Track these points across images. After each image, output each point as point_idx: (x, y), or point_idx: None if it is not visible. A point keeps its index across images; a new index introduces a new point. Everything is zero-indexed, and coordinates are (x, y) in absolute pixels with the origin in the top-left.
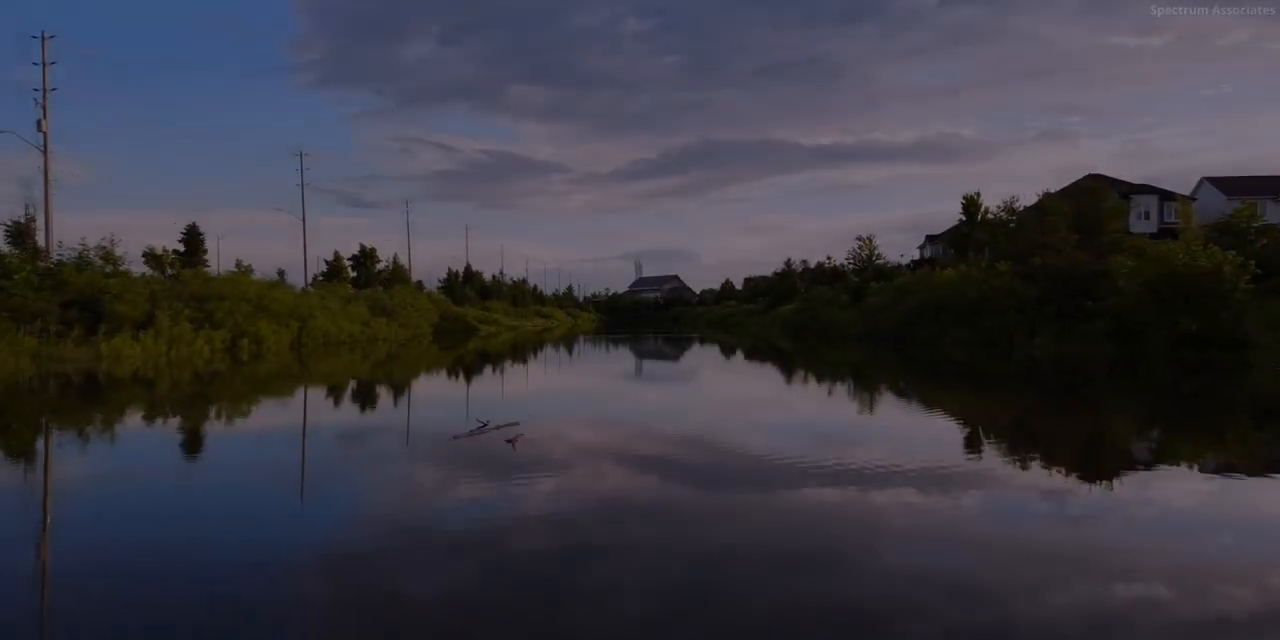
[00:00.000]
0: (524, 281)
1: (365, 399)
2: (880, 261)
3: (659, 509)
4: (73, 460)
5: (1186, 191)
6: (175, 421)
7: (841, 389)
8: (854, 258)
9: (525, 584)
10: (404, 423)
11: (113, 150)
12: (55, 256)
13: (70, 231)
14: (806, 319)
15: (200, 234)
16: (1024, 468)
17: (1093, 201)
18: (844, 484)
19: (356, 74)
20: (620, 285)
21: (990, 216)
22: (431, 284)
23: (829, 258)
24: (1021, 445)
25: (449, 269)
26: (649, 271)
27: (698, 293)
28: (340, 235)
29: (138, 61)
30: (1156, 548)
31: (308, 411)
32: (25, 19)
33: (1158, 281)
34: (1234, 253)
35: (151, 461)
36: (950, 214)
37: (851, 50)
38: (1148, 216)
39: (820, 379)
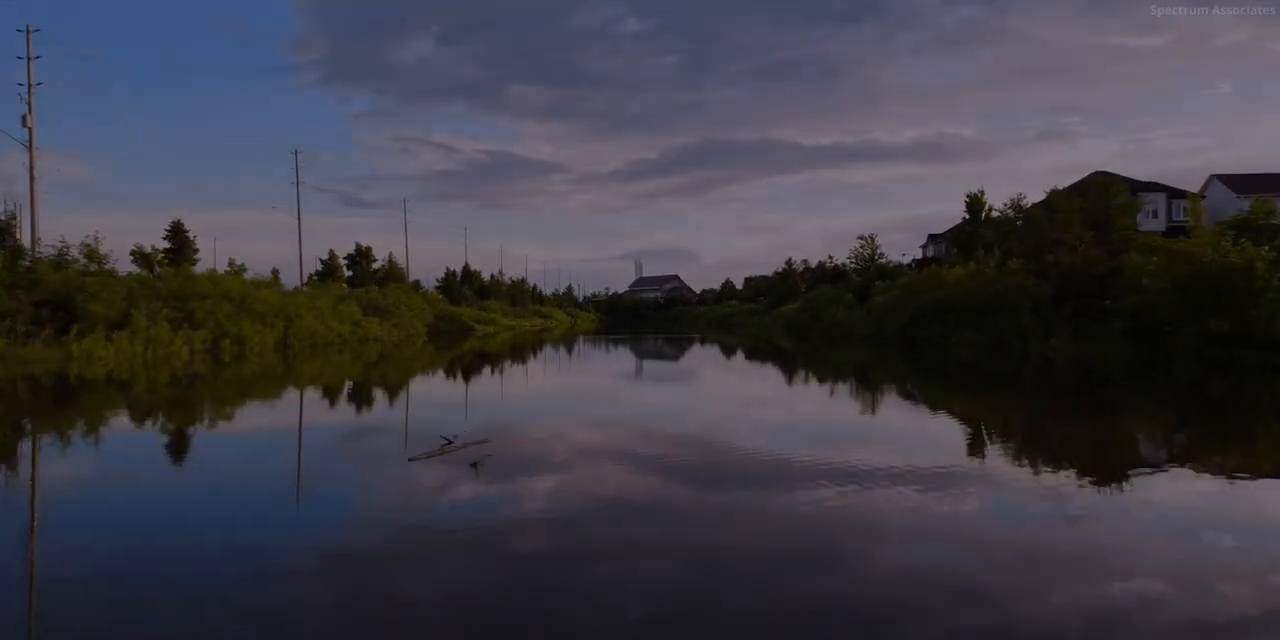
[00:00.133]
0: (523, 281)
1: (333, 406)
2: (883, 260)
3: (647, 552)
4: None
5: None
6: (111, 430)
7: (850, 392)
8: (856, 257)
9: None
10: (363, 435)
11: (112, 150)
12: (38, 254)
13: (70, 231)
14: (809, 319)
15: (186, 231)
16: (1040, 472)
17: (1103, 198)
18: (862, 495)
19: (356, 74)
20: (620, 285)
21: (997, 214)
22: (431, 284)
23: (831, 257)
24: (1044, 451)
25: (447, 268)
26: (649, 271)
27: (698, 293)
28: (341, 235)
29: (138, 61)
30: (1187, 559)
31: (263, 422)
32: (25, 19)
33: (1185, 279)
34: (1267, 248)
35: (73, 479)
36: (950, 214)
37: (851, 50)
38: (1156, 214)
39: (826, 381)
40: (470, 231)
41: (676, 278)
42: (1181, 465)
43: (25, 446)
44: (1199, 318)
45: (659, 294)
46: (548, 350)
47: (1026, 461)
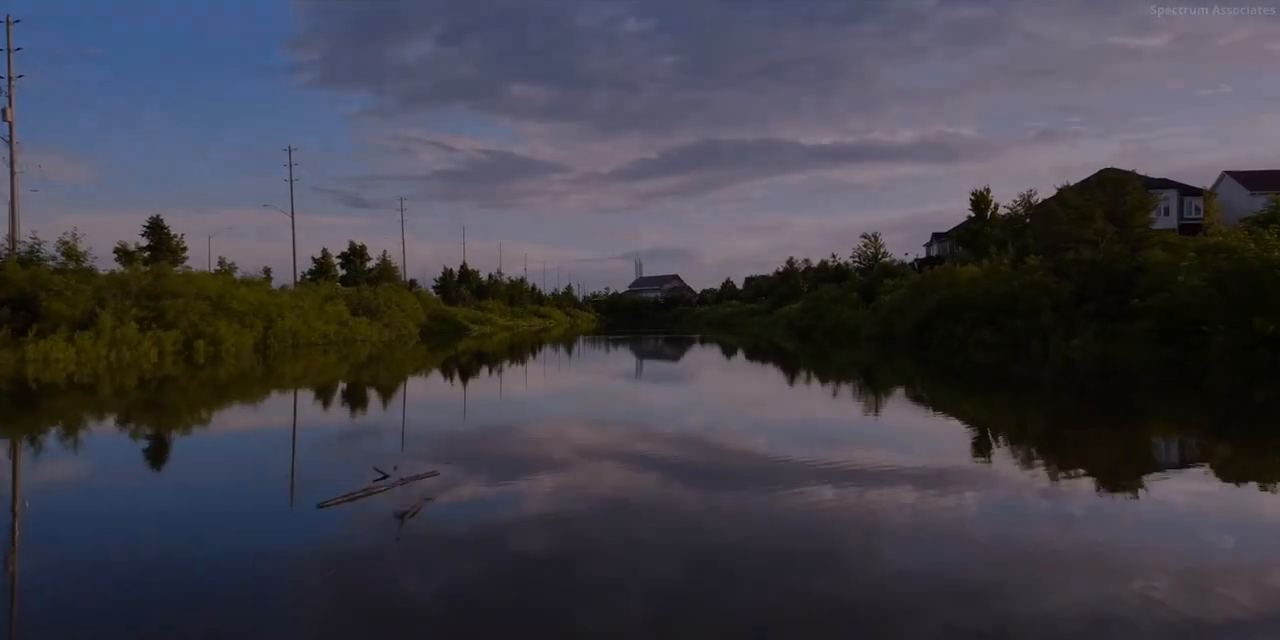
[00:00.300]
0: (522, 281)
1: (283, 417)
2: (886, 259)
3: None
4: None
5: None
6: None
7: (858, 395)
8: (859, 256)
9: None
10: (283, 465)
11: (111, 150)
12: (14, 252)
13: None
14: (813, 319)
15: (165, 227)
16: (1066, 489)
17: (1118, 194)
18: (868, 498)
19: (356, 74)
20: (620, 285)
21: (1006, 211)
22: (429, 284)
23: (834, 256)
24: (1079, 465)
25: (445, 267)
26: (649, 271)
27: (698, 292)
28: (341, 235)
29: (137, 61)
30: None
31: (193, 439)
32: (25, 17)
33: (1225, 275)
34: None
35: None
36: (950, 213)
37: (851, 50)
38: (1167, 212)
39: (834, 383)
40: (470, 232)
41: (676, 278)
42: (1232, 481)
43: None
44: (1240, 317)
45: (659, 294)
46: (543, 351)
47: (1059, 478)
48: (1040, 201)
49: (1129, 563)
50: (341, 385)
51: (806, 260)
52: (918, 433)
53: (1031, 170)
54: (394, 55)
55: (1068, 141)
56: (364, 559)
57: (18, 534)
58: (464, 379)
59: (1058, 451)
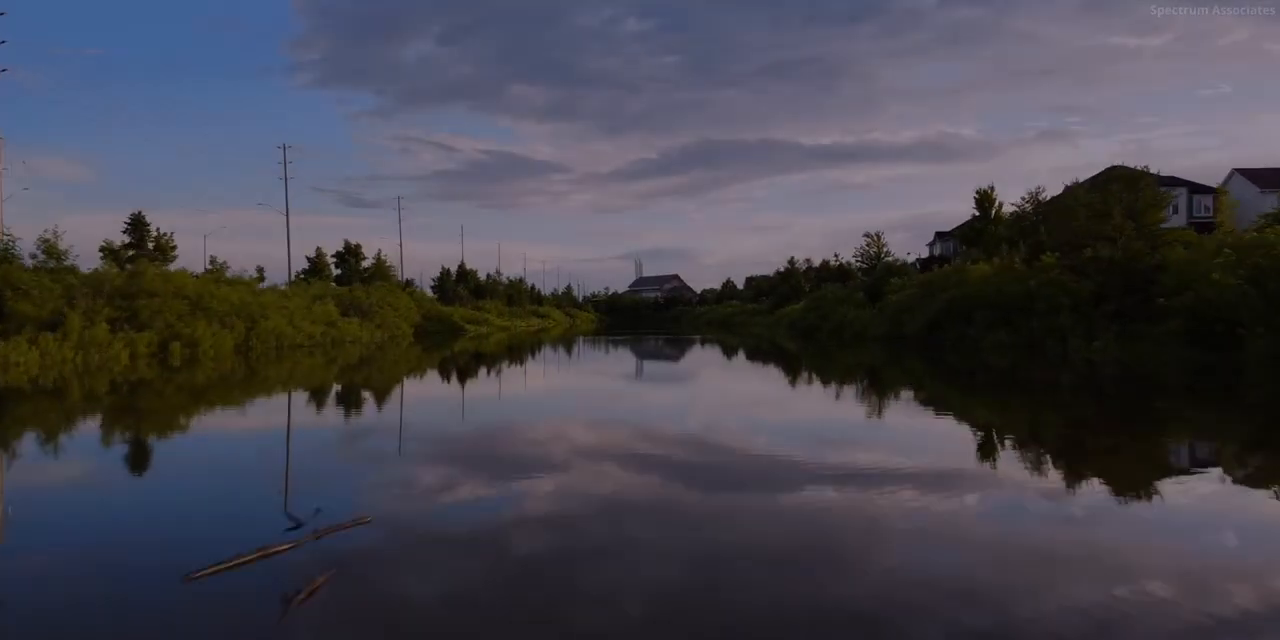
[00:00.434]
0: (521, 281)
1: (229, 436)
2: (889, 258)
3: None
4: None
5: None
6: None
7: (885, 405)
8: (862, 255)
9: None
10: (216, 496)
11: (111, 150)
12: None
13: (69, 232)
14: (817, 319)
15: (147, 224)
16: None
17: (1130, 190)
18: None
19: (356, 74)
20: (620, 285)
21: (1014, 208)
22: (428, 284)
23: (836, 255)
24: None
25: (442, 267)
26: (649, 271)
27: (698, 292)
28: (341, 235)
29: (137, 61)
30: None
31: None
32: (25, 19)
33: (1265, 274)
34: None
35: None
36: (950, 213)
37: (852, 50)
38: (1176, 210)
39: (852, 390)
40: (470, 232)
41: (676, 277)
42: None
43: None
44: None
45: (659, 294)
46: (540, 352)
47: (1082, 489)
48: (1049, 199)
49: (1149, 581)
50: (316, 391)
51: (808, 260)
52: (930, 436)
53: (1032, 170)
54: (394, 55)
55: (1068, 141)
56: None
57: None
58: (455, 381)
59: (1080, 461)
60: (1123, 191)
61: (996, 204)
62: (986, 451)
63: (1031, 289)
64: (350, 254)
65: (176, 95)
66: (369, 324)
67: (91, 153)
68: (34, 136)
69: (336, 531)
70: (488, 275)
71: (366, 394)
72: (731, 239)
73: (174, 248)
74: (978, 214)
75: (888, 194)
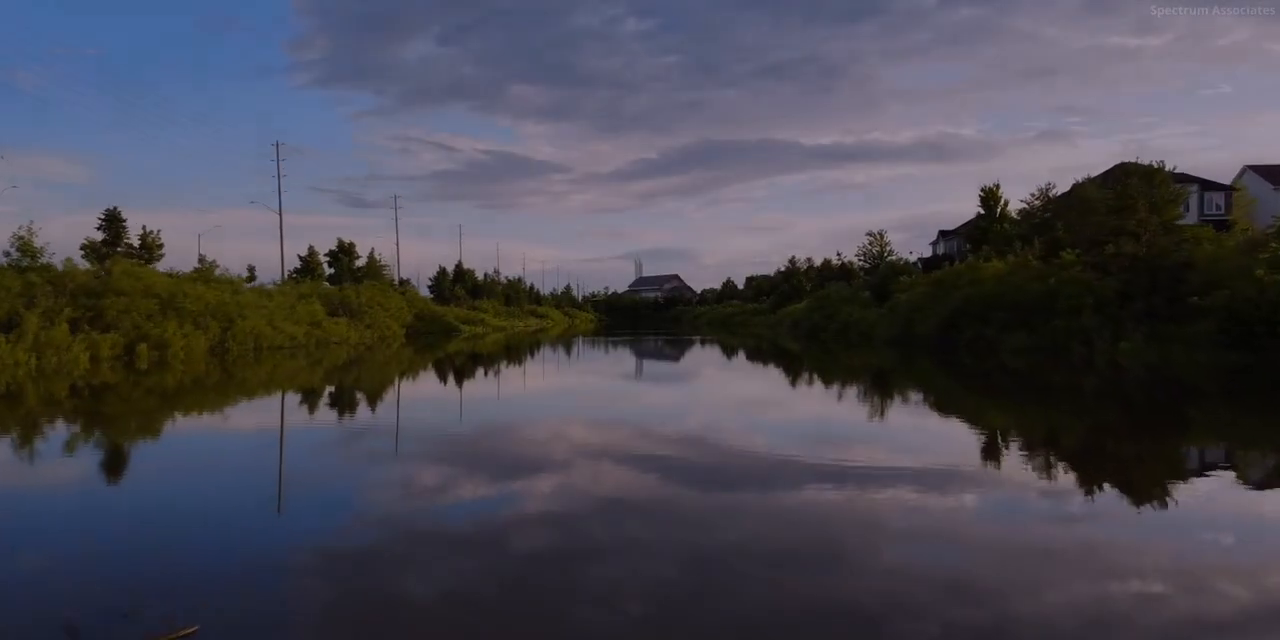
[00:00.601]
0: (519, 280)
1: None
2: (893, 257)
3: None
4: None
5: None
6: None
7: (927, 416)
8: (865, 254)
9: None
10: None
11: (111, 150)
12: None
13: (66, 232)
14: (821, 319)
15: (123, 220)
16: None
17: (1146, 186)
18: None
19: (356, 74)
20: (620, 285)
21: (1023, 205)
22: (425, 284)
23: (839, 254)
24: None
25: (439, 267)
26: (649, 271)
27: (698, 292)
28: (341, 235)
29: (137, 61)
30: None
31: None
32: (24, 19)
33: None
34: None
35: None
36: (950, 213)
37: (851, 50)
38: (1187, 208)
39: (877, 402)
40: (470, 232)
41: (676, 277)
42: None
43: None
44: None
45: (659, 294)
46: (539, 352)
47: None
48: (1058, 195)
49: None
50: (298, 394)
51: (809, 259)
52: (951, 441)
53: (1031, 170)
54: (394, 55)
55: (1067, 141)
56: None
57: None
58: (448, 383)
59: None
60: (1142, 186)
61: (1002, 202)
62: (1014, 458)
63: (1052, 287)
64: (344, 253)
65: (176, 95)
66: (358, 324)
67: (90, 153)
68: (33, 136)
69: None
70: (485, 275)
71: (349, 398)
72: (731, 239)
73: (160, 246)
74: (983, 212)
75: (887, 194)
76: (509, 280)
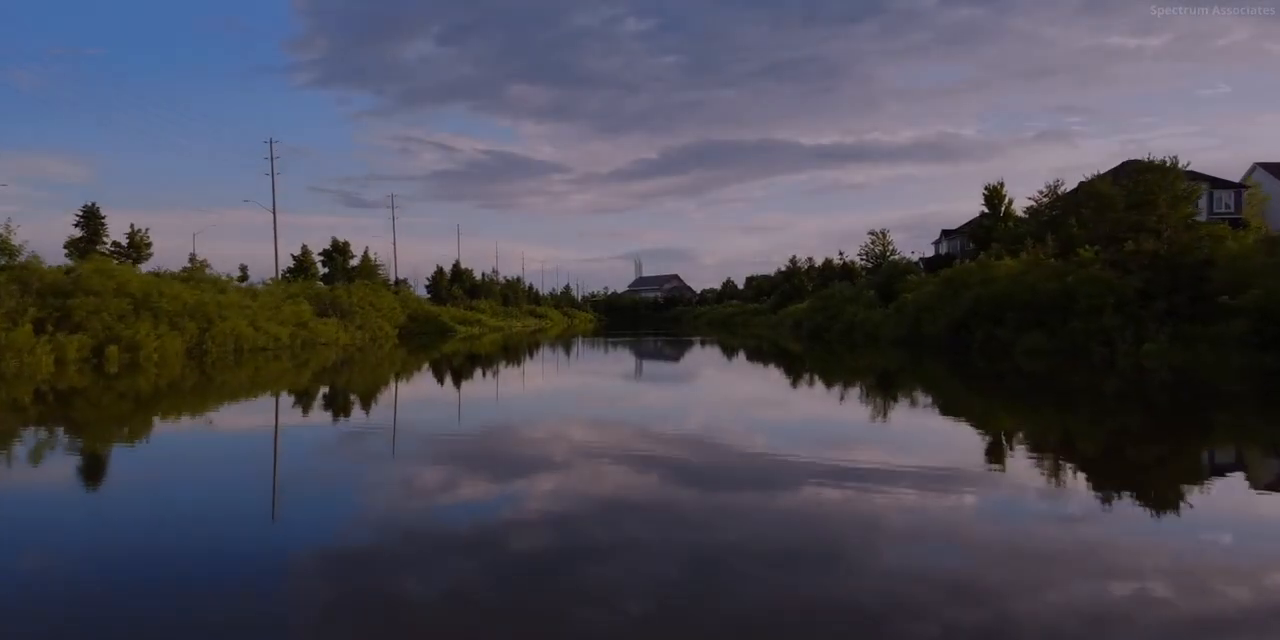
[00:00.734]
0: (518, 280)
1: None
2: (895, 257)
3: None
4: None
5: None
6: None
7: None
8: (867, 254)
9: None
10: None
11: (111, 150)
12: None
13: (68, 232)
14: (824, 319)
15: (101, 217)
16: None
17: (1160, 183)
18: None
19: (356, 74)
20: (620, 285)
21: (1030, 203)
22: (422, 284)
23: (841, 253)
24: None
25: (437, 266)
26: (649, 271)
27: (698, 292)
28: (340, 235)
29: (137, 61)
30: None
31: None
32: (25, 19)
33: None
34: None
35: None
36: (950, 213)
37: (851, 50)
38: (1196, 206)
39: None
40: (470, 232)
41: (676, 277)
42: None
43: None
44: None
45: (659, 294)
46: (538, 353)
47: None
48: (1067, 192)
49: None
50: (281, 398)
51: (810, 259)
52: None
53: (1031, 170)
54: (394, 55)
55: (1067, 141)
56: None
57: None
58: (442, 386)
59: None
60: (1159, 181)
61: (1006, 200)
62: (1037, 472)
63: (1069, 286)
64: (338, 252)
65: (176, 95)
66: (348, 325)
67: (90, 153)
68: (33, 136)
69: None
70: (483, 275)
71: (340, 402)
72: (731, 239)
73: (149, 245)
74: (986, 211)
75: (887, 194)
76: (507, 280)
